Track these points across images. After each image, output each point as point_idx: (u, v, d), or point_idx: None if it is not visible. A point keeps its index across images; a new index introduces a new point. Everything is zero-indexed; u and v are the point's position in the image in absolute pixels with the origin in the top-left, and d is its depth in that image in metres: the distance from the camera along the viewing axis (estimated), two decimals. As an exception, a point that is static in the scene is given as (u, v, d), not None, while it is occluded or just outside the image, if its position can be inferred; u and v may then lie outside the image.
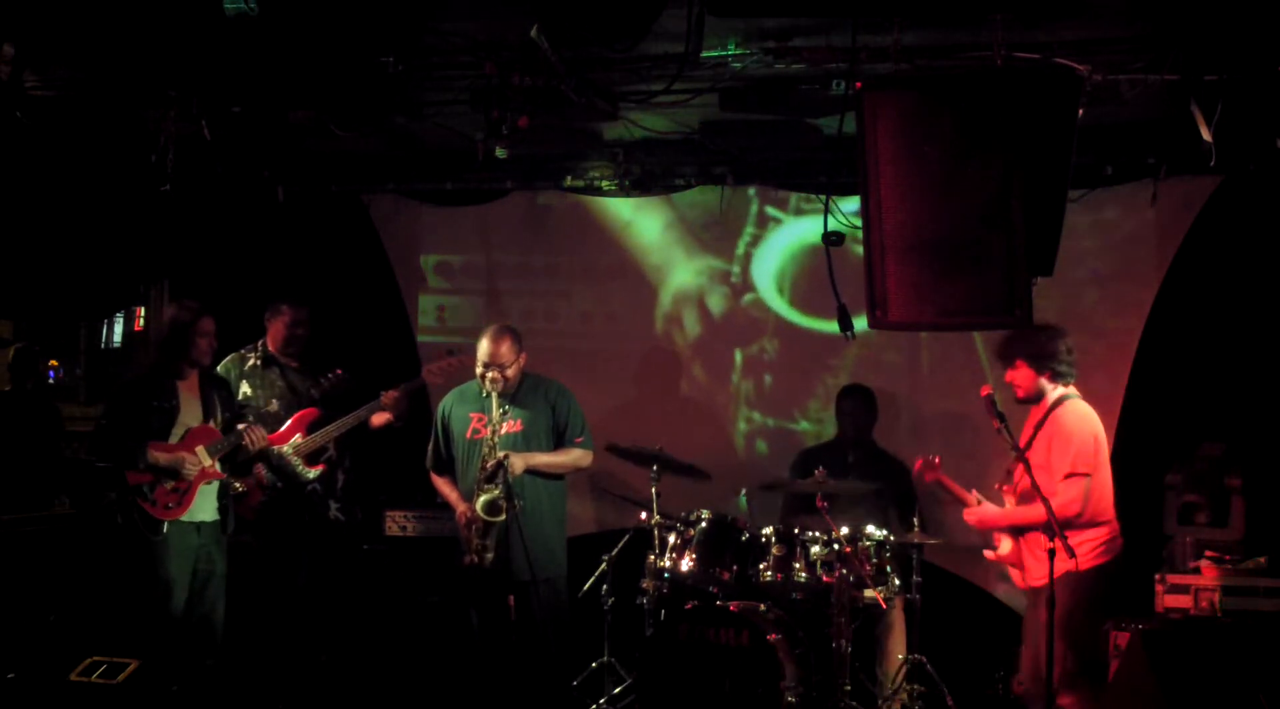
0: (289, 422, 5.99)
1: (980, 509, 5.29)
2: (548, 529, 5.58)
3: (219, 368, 6.02)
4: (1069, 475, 4.90)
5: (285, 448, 5.94)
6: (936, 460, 5.57)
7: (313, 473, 6.00)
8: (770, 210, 7.02)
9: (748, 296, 7.08)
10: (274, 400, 6.02)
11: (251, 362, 6.12)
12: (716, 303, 7.13)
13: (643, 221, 7.16)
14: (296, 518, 6.00)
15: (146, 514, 5.40)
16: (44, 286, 6.83)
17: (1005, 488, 5.21)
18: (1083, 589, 4.85)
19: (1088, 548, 4.88)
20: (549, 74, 4.94)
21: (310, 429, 6.01)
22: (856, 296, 3.97)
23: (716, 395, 7.13)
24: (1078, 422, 4.98)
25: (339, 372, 5.98)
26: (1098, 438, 4.98)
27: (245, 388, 6.08)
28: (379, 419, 6.07)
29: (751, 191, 7.02)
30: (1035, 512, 4.82)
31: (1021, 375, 5.13)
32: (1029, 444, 5.08)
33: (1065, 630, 4.76)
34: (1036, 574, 4.92)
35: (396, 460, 6.42)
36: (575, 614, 5.90)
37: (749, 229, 7.06)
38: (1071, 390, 5.10)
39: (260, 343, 6.17)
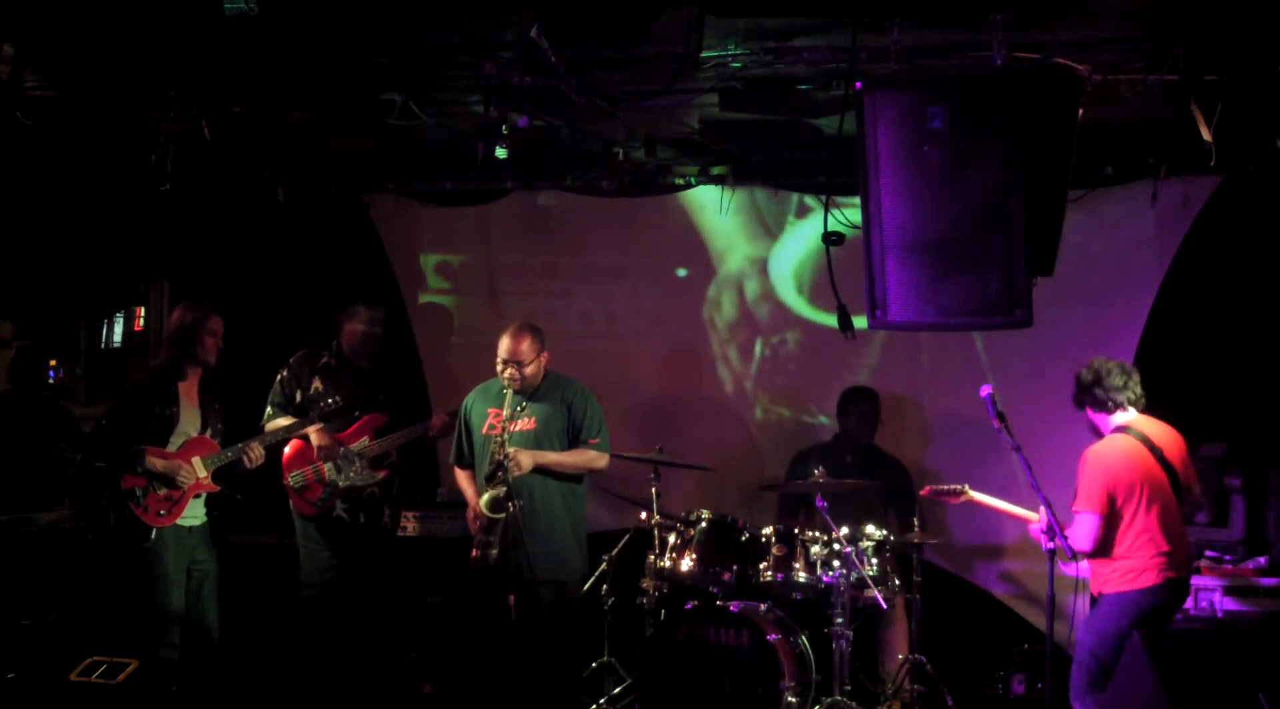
0: (357, 423, 6.01)
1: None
2: (557, 531, 5.47)
3: (291, 360, 6.10)
4: (1075, 511, 4.89)
5: (354, 448, 5.97)
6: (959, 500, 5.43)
7: (377, 477, 6.01)
8: (806, 202, 7.00)
9: (768, 289, 7.07)
10: (339, 397, 5.99)
11: (325, 359, 6.13)
12: (729, 301, 7.12)
13: (653, 220, 7.18)
14: (352, 518, 6.00)
15: (137, 519, 5.41)
16: (44, 286, 6.81)
17: None
18: (1127, 611, 4.81)
19: (1119, 572, 4.83)
20: (549, 74, 4.95)
21: (377, 434, 6.03)
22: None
23: (728, 390, 7.13)
24: (1093, 458, 4.90)
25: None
26: (1108, 478, 4.82)
27: (317, 383, 6.06)
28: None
29: (775, 193, 7.02)
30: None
31: (1086, 417, 5.12)
32: None
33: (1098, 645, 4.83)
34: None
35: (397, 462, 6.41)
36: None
37: (773, 225, 7.08)
38: (1128, 419, 5.01)
39: (334, 343, 6.18)
